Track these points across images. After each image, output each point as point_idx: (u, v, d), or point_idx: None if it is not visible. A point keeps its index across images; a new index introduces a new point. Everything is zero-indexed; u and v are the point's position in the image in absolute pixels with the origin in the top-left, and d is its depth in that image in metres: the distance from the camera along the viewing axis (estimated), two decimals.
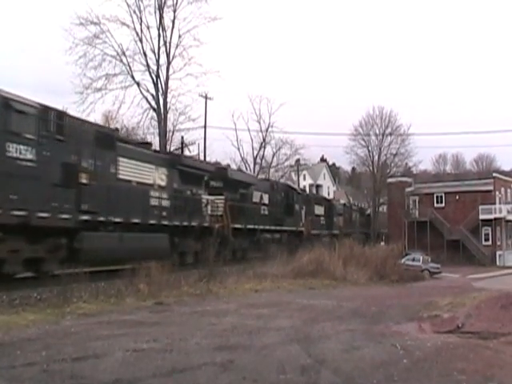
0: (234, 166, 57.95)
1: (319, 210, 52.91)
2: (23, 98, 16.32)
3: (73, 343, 9.48)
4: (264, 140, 61.18)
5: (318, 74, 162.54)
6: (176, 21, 41.32)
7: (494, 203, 61.47)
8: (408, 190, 66.81)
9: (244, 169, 59.93)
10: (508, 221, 61.63)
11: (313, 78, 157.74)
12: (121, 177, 20.85)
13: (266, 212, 37.79)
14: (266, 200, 38.00)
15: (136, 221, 21.32)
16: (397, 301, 19.33)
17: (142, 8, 40.46)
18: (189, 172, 26.68)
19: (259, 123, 60.72)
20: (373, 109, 73.00)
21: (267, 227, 36.98)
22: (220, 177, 32.08)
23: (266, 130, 60.75)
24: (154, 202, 23.16)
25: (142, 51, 40.81)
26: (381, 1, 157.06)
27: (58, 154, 17.26)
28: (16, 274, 16.70)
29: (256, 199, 36.42)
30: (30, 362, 8.08)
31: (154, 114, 41.90)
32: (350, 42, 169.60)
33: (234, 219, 30.91)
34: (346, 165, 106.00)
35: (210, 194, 29.70)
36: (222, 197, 30.63)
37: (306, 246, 34.93)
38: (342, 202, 71.60)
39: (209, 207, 29.13)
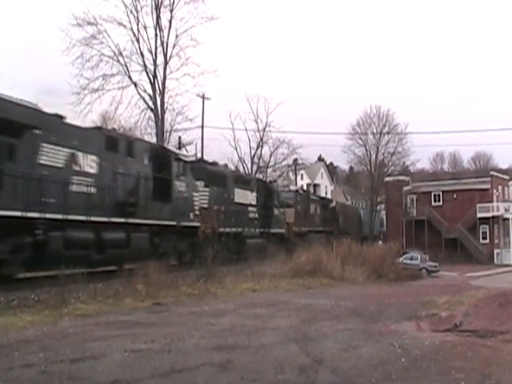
0: (231, 166, 57.96)
1: (245, 196, 34.40)
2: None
3: (71, 344, 9.48)
4: (261, 139, 61.12)
5: (315, 74, 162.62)
6: (173, 21, 41.41)
7: (492, 201, 61.44)
8: (406, 188, 66.79)
9: (241, 169, 59.91)
10: (506, 219, 61.59)
11: (310, 77, 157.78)
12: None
13: None
14: None
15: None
16: (395, 300, 19.36)
17: (138, 8, 40.51)
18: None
19: (256, 123, 60.65)
20: (370, 108, 73.09)
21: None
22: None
23: (264, 130, 60.69)
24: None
25: (139, 51, 40.84)
26: (378, 0, 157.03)
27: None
28: None
29: None
30: (27, 364, 8.07)
31: (152, 114, 41.94)
32: (348, 42, 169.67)
33: None
34: (343, 164, 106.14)
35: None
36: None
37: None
38: (294, 187, 54.38)
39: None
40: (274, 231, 38.68)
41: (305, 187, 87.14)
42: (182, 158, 27.14)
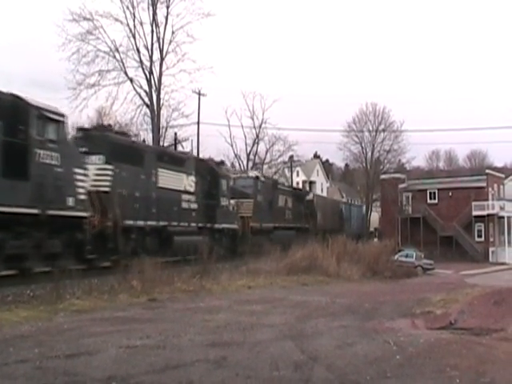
0: (227, 162, 57.92)
1: (176, 180, 26.18)
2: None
3: (66, 340, 9.47)
4: (257, 136, 61.13)
5: (311, 71, 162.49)
6: (169, 17, 41.48)
7: (487, 199, 61.56)
8: (401, 186, 66.80)
9: (237, 165, 59.89)
10: (501, 217, 61.70)
11: (306, 74, 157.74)
12: None
13: None
14: None
15: None
16: (390, 297, 19.40)
17: (135, 4, 40.63)
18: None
19: (252, 119, 60.62)
20: (366, 105, 73.18)
21: None
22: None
23: (260, 127, 60.67)
24: None
25: (135, 47, 40.91)
26: None
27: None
28: None
29: None
30: (22, 359, 8.06)
31: (148, 111, 41.97)
32: (344, 39, 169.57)
33: None
34: (339, 161, 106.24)
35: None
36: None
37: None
38: (254, 173, 41.85)
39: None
40: (222, 227, 30.13)
41: (300, 184, 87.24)
42: (52, 114, 17.45)
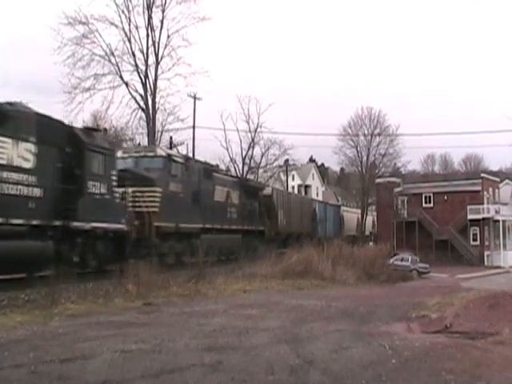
0: (222, 167, 57.82)
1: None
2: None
3: (61, 344, 9.44)
4: (253, 140, 60.96)
5: (306, 75, 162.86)
6: (165, 21, 41.50)
7: (482, 203, 61.67)
8: (396, 190, 66.90)
9: (232, 169, 59.82)
10: (496, 221, 61.81)
11: (301, 78, 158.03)
12: None
13: None
14: None
15: None
16: (385, 301, 19.38)
17: (130, 8, 40.58)
18: None
19: (248, 123, 60.41)
20: (361, 109, 73.36)
21: None
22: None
23: (255, 131, 60.48)
24: None
25: (130, 51, 40.90)
26: (368, 2, 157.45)
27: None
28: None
29: None
30: (17, 364, 8.03)
31: (143, 114, 41.94)
32: (339, 43, 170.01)
33: None
34: (334, 165, 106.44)
35: None
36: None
37: None
38: (165, 151, 28.43)
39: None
40: (89, 226, 19.25)
41: (296, 188, 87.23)
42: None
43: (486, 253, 60.70)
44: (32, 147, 17.02)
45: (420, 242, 59.55)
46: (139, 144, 36.28)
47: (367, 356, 9.12)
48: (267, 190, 41.92)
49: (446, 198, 63.12)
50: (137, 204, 23.05)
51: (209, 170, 30.88)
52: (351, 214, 72.47)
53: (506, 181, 77.81)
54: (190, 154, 46.59)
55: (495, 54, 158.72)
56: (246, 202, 34.91)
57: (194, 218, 26.78)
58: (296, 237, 41.52)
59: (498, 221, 61.74)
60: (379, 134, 72.24)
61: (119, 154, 24.18)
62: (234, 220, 32.42)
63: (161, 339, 10.02)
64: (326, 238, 47.58)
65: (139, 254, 21.78)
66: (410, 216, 63.70)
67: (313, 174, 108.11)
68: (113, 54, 40.15)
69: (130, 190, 22.30)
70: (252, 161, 61.94)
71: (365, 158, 73.15)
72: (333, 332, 11.66)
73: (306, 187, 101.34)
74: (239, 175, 50.66)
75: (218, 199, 30.79)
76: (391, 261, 42.84)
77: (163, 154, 26.18)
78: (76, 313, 13.50)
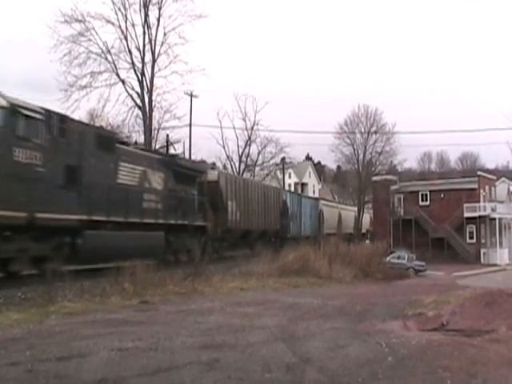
0: (219, 164, 57.78)
1: None
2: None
3: (57, 343, 9.43)
4: (249, 138, 60.99)
5: (303, 73, 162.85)
6: (161, 18, 41.46)
7: (479, 201, 61.71)
8: (393, 188, 66.93)
9: (229, 167, 59.81)
10: (492, 219, 61.88)
11: (298, 76, 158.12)
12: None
13: None
14: None
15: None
16: (382, 299, 19.41)
17: (127, 6, 40.50)
18: None
19: (245, 121, 60.43)
20: (358, 107, 73.40)
21: None
22: None
23: (252, 128, 60.53)
24: None
25: (127, 49, 40.81)
26: (365, 0, 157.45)
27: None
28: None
29: None
30: (14, 362, 8.02)
31: (139, 112, 41.87)
32: (336, 41, 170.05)
33: None
34: (331, 163, 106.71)
35: None
36: None
37: None
38: (3, 100, 15.64)
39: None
40: None
41: (292, 186, 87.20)
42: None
43: (482, 251, 60.80)
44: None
45: (416, 239, 59.59)
46: (135, 142, 36.02)
47: (364, 354, 9.14)
48: (212, 175, 32.13)
49: (442, 196, 63.18)
50: None
51: (107, 138, 21.32)
52: (347, 212, 72.27)
53: (503, 179, 77.99)
54: (187, 152, 46.51)
55: (492, 52, 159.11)
56: (177, 189, 26.21)
57: (69, 205, 17.89)
58: (258, 236, 35.79)
59: (495, 219, 61.80)
60: (376, 132, 72.31)
61: None
62: (152, 212, 23.51)
63: (157, 337, 10.02)
64: (300, 237, 42.74)
65: None
66: (407, 214, 63.77)
67: (309, 172, 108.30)
68: (109, 51, 40.10)
69: None
70: (249, 159, 61.98)
71: (361, 155, 73.21)
72: (329, 330, 11.67)
73: (303, 185, 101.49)
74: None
75: (125, 181, 21.70)
76: (388, 259, 42.91)
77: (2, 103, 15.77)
78: (73, 311, 13.47)
